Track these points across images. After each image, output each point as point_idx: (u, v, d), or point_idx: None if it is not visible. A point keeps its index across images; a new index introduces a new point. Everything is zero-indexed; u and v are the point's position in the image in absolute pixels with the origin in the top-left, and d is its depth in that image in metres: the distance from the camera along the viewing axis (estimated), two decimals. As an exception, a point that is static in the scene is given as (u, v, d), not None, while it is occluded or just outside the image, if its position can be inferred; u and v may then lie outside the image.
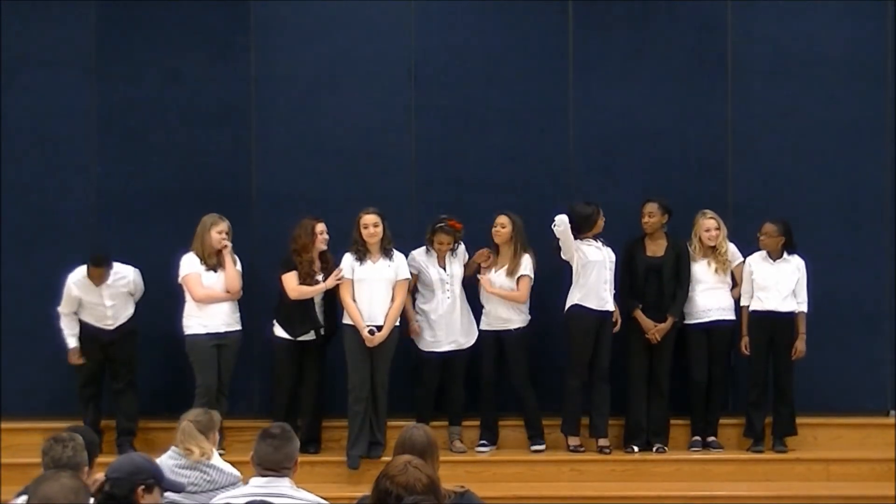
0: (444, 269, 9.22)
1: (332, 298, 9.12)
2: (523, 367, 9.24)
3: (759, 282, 9.22)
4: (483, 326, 9.31)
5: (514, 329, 9.24)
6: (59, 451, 4.87)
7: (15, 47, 9.69)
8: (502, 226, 9.21)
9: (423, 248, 9.28)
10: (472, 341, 9.29)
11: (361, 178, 9.65)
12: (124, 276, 9.15)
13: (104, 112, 9.72)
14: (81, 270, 9.05)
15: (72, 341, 9.14)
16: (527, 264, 9.21)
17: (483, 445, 9.30)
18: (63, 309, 9.14)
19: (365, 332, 8.87)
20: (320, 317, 9.09)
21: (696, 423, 9.32)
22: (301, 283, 9.00)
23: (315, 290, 9.01)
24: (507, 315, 9.23)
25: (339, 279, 8.96)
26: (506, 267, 9.23)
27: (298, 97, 9.75)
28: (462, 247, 9.31)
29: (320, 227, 9.06)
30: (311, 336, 9.06)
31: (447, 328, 9.22)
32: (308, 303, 9.04)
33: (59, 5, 9.77)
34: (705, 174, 9.71)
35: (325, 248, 9.09)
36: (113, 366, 9.20)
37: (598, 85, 9.74)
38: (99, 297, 9.09)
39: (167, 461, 5.88)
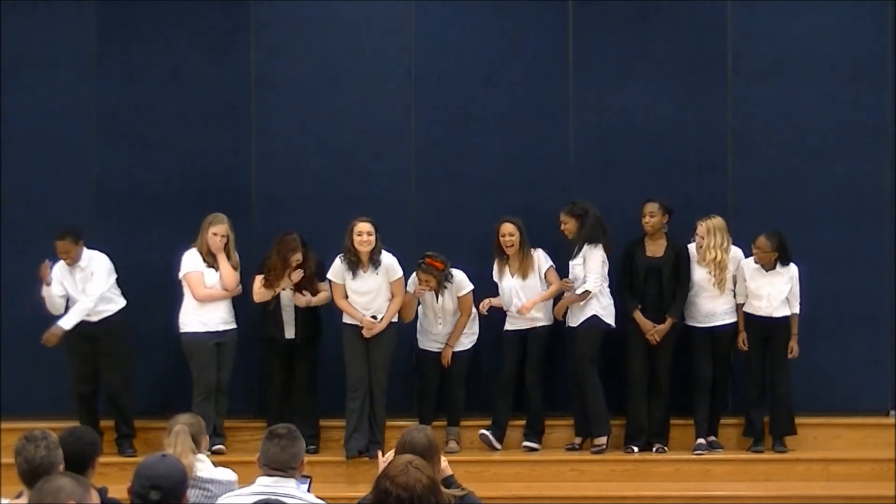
0: (437, 300, 9.16)
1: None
2: (540, 365, 9.24)
3: (752, 290, 9.17)
4: (508, 327, 9.28)
5: (541, 326, 9.24)
6: (32, 452, 4.76)
7: (15, 47, 9.69)
8: (510, 234, 9.17)
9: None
10: (471, 344, 9.29)
11: (361, 178, 9.65)
12: (93, 258, 9.05)
13: (104, 112, 9.72)
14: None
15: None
16: (544, 257, 9.24)
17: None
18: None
19: (367, 319, 8.85)
20: (293, 318, 9.05)
21: (699, 423, 9.21)
22: (264, 287, 9.01)
23: (265, 294, 8.97)
24: (537, 314, 9.22)
25: (297, 277, 8.93)
26: (518, 273, 9.18)
27: (298, 97, 9.75)
28: (462, 277, 9.13)
29: (297, 257, 8.94)
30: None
31: (441, 338, 9.24)
32: (273, 310, 9.04)
33: (59, 5, 9.77)
34: (705, 174, 9.70)
35: (299, 277, 9.00)
36: (105, 367, 9.09)
37: (598, 85, 9.73)
38: (74, 286, 9.00)
39: None
